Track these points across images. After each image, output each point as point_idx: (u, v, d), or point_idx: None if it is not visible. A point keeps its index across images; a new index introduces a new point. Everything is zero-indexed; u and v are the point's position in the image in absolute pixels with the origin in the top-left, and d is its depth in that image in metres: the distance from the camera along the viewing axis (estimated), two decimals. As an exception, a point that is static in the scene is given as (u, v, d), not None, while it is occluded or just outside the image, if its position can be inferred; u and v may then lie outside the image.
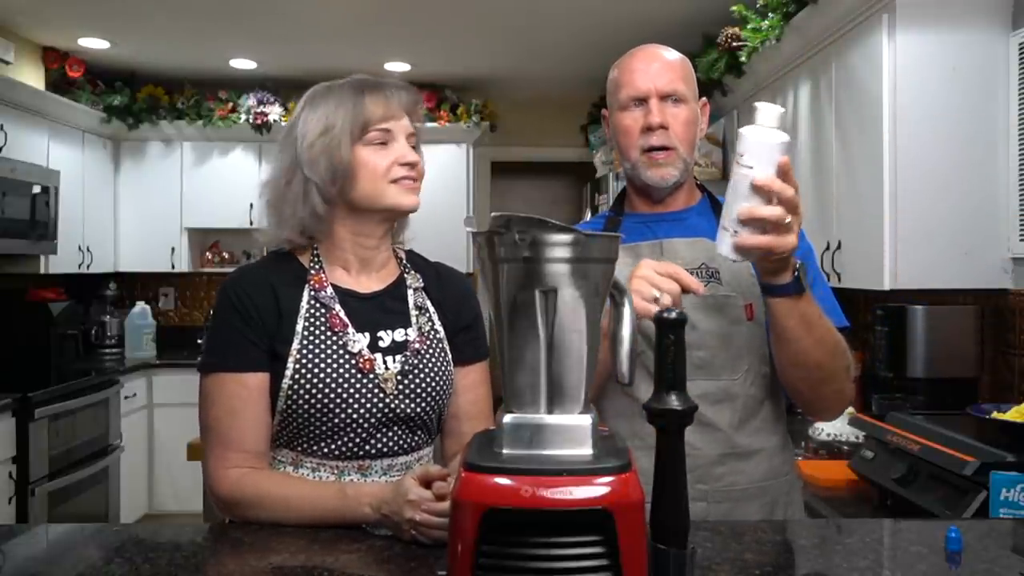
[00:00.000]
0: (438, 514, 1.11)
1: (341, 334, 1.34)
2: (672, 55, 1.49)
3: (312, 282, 1.37)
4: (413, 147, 1.39)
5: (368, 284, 1.42)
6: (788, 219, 1.15)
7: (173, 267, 5.36)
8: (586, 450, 0.86)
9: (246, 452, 1.31)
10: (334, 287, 1.38)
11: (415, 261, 1.50)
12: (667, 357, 0.86)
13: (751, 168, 1.14)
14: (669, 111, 1.43)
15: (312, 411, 1.31)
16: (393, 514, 1.16)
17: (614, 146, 1.54)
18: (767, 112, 1.14)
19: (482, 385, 1.48)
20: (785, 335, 1.30)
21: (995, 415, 1.88)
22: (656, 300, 1.21)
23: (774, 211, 1.14)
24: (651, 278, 1.23)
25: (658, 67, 1.45)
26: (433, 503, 1.13)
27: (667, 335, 0.86)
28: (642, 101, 1.45)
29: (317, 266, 1.39)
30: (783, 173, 1.15)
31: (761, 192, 1.14)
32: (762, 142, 1.14)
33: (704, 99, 1.52)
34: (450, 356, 1.43)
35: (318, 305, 1.36)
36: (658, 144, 1.43)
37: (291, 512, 1.25)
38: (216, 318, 1.36)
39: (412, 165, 1.36)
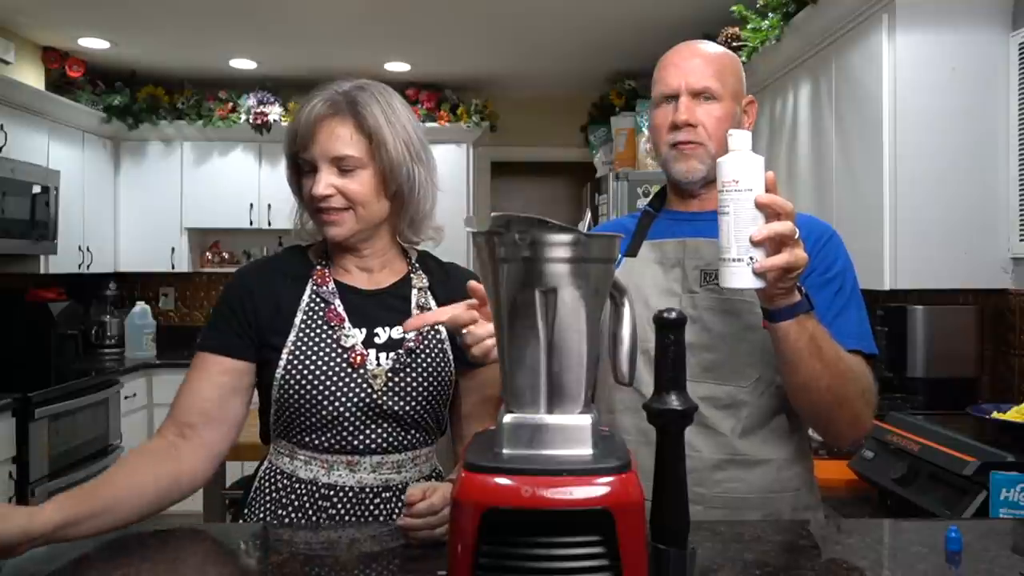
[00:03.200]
0: (417, 515, 1.12)
1: (336, 328, 1.37)
2: (711, 50, 1.46)
3: (315, 277, 1.41)
4: (349, 170, 1.34)
5: (371, 281, 1.44)
6: (797, 232, 1.13)
7: (173, 267, 5.35)
8: (586, 450, 0.86)
9: (177, 421, 1.33)
10: (337, 283, 1.41)
11: (426, 263, 1.50)
12: (667, 357, 0.86)
13: (751, 190, 1.13)
14: (700, 108, 1.41)
15: (301, 402, 1.33)
16: None
17: (652, 141, 1.52)
18: (742, 137, 1.15)
19: (489, 387, 1.45)
20: (796, 359, 1.24)
21: (995, 415, 1.88)
22: None
23: (787, 225, 1.12)
24: None
25: (691, 64, 1.43)
26: (412, 508, 1.13)
27: (667, 335, 0.86)
28: (673, 98, 1.43)
29: (324, 262, 1.43)
30: (773, 188, 1.14)
31: (765, 210, 1.12)
32: (752, 164, 1.14)
33: (751, 96, 1.49)
34: (451, 356, 1.43)
35: (318, 299, 1.39)
36: (684, 140, 1.41)
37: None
38: (218, 301, 1.42)
39: (320, 198, 1.34)
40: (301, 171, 1.39)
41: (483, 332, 1.13)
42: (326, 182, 1.33)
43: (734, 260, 1.14)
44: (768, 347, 1.33)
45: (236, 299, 1.38)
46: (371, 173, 1.35)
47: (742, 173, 1.13)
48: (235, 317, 1.37)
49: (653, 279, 1.44)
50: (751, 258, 1.13)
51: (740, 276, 1.14)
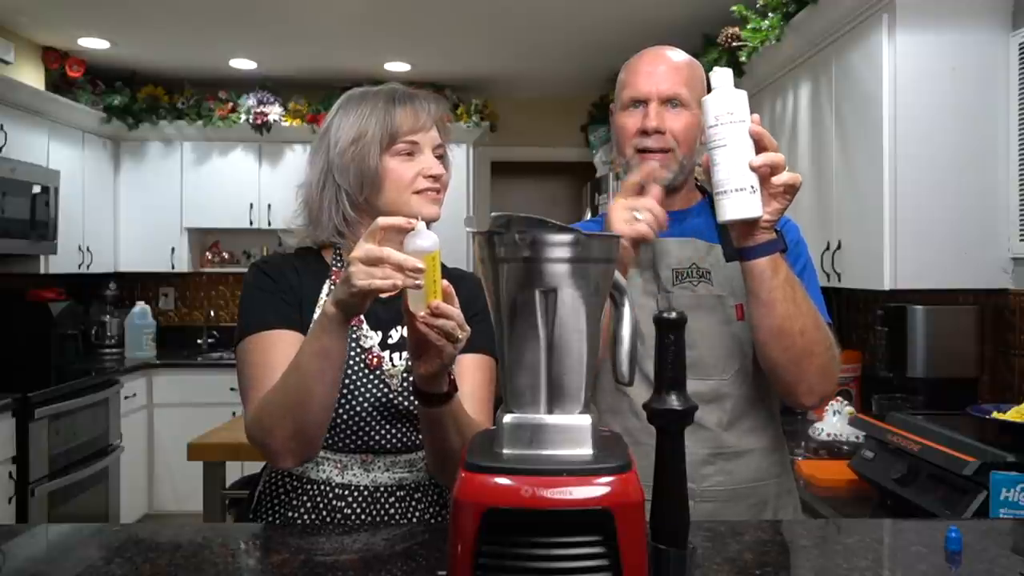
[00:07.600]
0: (441, 314, 1.08)
1: (355, 328, 1.37)
2: (680, 58, 1.49)
3: (334, 277, 1.40)
4: (439, 157, 1.41)
5: None
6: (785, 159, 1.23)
7: (173, 267, 5.36)
8: (586, 450, 0.86)
9: None
10: None
11: None
12: (667, 357, 0.86)
13: (743, 121, 1.20)
14: (668, 115, 1.44)
15: None
16: (341, 284, 1.12)
17: (615, 144, 1.55)
18: (724, 75, 1.22)
19: (481, 376, 1.42)
20: (772, 298, 1.29)
21: (995, 415, 1.88)
22: (636, 220, 1.27)
23: (781, 155, 1.22)
24: (628, 203, 1.29)
25: (662, 71, 1.46)
26: (439, 307, 1.09)
27: (667, 335, 0.86)
28: (642, 103, 1.45)
29: (339, 263, 1.42)
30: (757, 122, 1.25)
31: (757, 141, 1.21)
32: (740, 98, 1.21)
33: None
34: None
35: None
36: (654, 146, 1.44)
37: (290, 378, 1.21)
38: (247, 291, 1.39)
39: (436, 177, 1.38)
40: (383, 153, 1.36)
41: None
42: (439, 165, 1.40)
43: (736, 190, 1.20)
44: (744, 338, 1.41)
45: (269, 280, 1.37)
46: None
47: (735, 106, 1.20)
48: (276, 294, 1.35)
49: (631, 280, 1.45)
50: (752, 187, 1.20)
51: (743, 205, 1.20)
